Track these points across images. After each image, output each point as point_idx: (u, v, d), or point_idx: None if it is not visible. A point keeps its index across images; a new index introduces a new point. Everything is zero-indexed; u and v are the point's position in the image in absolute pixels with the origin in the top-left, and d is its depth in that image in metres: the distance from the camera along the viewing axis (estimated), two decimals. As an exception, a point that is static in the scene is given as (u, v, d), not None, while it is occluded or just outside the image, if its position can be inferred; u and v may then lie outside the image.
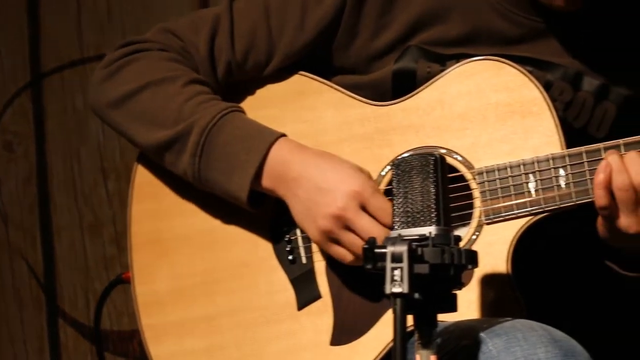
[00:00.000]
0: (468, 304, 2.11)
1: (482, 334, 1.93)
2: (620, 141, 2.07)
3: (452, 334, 1.99)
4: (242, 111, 2.24)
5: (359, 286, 2.19)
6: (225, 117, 2.20)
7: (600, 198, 2.01)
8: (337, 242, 2.12)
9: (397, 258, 1.73)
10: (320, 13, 2.25)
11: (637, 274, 2.12)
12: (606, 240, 2.10)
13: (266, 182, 2.18)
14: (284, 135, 2.20)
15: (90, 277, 3.65)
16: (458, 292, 2.06)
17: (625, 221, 2.01)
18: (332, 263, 2.21)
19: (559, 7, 2.14)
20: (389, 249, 1.74)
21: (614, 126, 2.21)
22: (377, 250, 1.76)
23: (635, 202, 1.99)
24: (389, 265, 1.73)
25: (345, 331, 2.19)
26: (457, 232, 2.16)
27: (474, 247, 2.13)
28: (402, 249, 1.73)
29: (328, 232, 2.11)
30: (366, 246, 1.78)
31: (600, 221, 2.07)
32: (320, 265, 2.24)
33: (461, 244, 2.13)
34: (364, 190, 2.10)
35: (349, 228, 2.10)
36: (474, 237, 2.14)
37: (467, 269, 1.84)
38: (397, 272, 1.73)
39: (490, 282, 2.12)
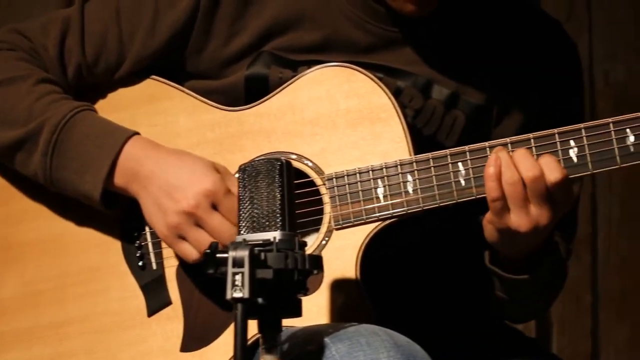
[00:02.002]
0: (317, 309, 2.12)
1: (326, 339, 1.94)
2: (508, 139, 2.10)
3: (299, 339, 1.99)
4: (95, 110, 2.22)
5: (209, 292, 2.18)
6: (77, 116, 2.17)
7: (491, 190, 2.04)
8: (185, 239, 2.11)
9: (238, 263, 1.73)
10: (173, 17, 2.23)
11: (522, 276, 2.15)
12: (495, 246, 2.13)
13: (119, 180, 2.16)
14: (137, 133, 2.18)
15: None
16: (307, 297, 2.07)
17: (515, 218, 2.03)
18: (183, 269, 2.20)
19: (410, 12, 2.16)
20: (230, 254, 1.73)
21: (463, 134, 2.24)
22: (218, 255, 1.76)
23: (523, 197, 2.02)
24: (230, 270, 1.73)
25: (196, 337, 2.17)
26: (308, 238, 2.19)
27: (324, 253, 2.14)
28: (244, 253, 1.73)
29: (176, 228, 2.10)
30: (208, 251, 1.77)
31: (489, 223, 2.09)
32: (170, 271, 2.22)
33: (311, 249, 2.16)
34: (217, 190, 2.10)
35: (199, 226, 2.10)
36: (324, 242, 2.15)
37: (313, 274, 1.85)
38: (238, 277, 1.72)
39: (339, 287, 2.13)
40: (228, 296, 1.71)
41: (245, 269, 1.72)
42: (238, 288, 1.72)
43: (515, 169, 2.01)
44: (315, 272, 1.84)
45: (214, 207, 2.10)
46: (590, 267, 3.86)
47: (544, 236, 2.08)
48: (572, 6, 3.77)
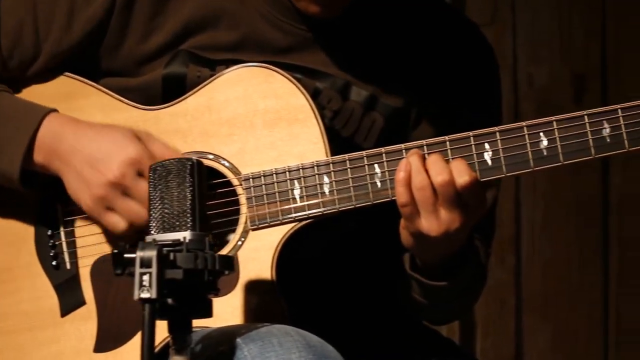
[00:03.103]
0: (232, 309, 2.11)
1: (238, 340, 1.94)
2: (424, 141, 2.10)
3: (212, 340, 1.98)
4: (11, 92, 2.19)
5: (123, 292, 2.16)
6: None
7: (400, 195, 2.04)
8: (113, 210, 2.09)
9: (146, 263, 1.72)
10: (88, 13, 2.21)
11: (441, 282, 2.15)
12: (412, 252, 2.13)
13: (39, 157, 2.14)
14: (55, 110, 2.15)
15: None
16: (223, 298, 2.07)
17: (426, 223, 2.03)
18: (97, 269, 2.17)
19: (315, 13, 2.17)
20: (138, 254, 1.72)
21: (382, 136, 2.24)
22: (126, 256, 1.74)
23: (433, 202, 2.02)
24: (137, 270, 1.71)
25: (110, 338, 2.15)
26: (225, 238, 2.18)
27: (240, 253, 2.13)
28: (151, 254, 1.72)
29: (103, 199, 2.08)
30: (116, 251, 1.76)
31: (403, 228, 2.09)
32: (85, 271, 2.20)
33: (226, 249, 2.15)
34: (141, 157, 2.09)
35: (127, 195, 2.08)
36: (240, 242, 2.14)
37: (224, 275, 1.84)
38: (145, 278, 1.71)
39: (255, 287, 2.12)
40: (135, 297, 1.70)
41: (153, 270, 1.71)
42: (145, 288, 1.71)
43: (426, 174, 2.02)
44: (226, 272, 1.84)
45: (140, 174, 2.08)
46: (514, 269, 3.89)
47: (459, 241, 2.08)
48: (496, 8, 3.80)
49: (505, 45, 3.82)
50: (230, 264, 1.84)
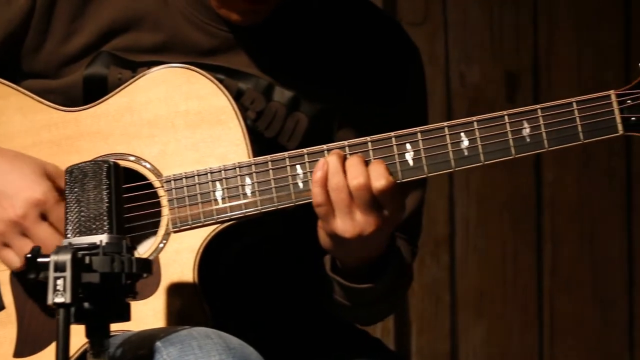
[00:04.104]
0: (154, 312, 2.09)
1: (158, 343, 1.92)
2: (345, 142, 2.10)
3: (132, 344, 1.97)
4: None
5: (42, 297, 2.13)
6: None
7: (315, 195, 2.04)
8: (9, 247, 2.07)
9: (60, 267, 1.70)
10: (8, 15, 2.19)
11: (363, 285, 2.14)
12: (330, 253, 2.13)
13: None
14: None
15: None
16: (144, 301, 2.06)
17: (341, 224, 2.03)
18: (17, 273, 2.15)
19: (238, 22, 2.17)
20: (52, 258, 1.70)
21: (306, 137, 2.24)
22: (40, 260, 1.72)
23: (348, 204, 2.02)
24: (51, 274, 1.70)
25: (29, 343, 2.13)
26: (146, 241, 2.17)
27: (161, 256, 2.12)
28: (66, 257, 1.70)
29: (2, 234, 2.06)
30: (29, 255, 1.74)
31: (320, 228, 2.09)
32: (4, 275, 2.17)
33: (148, 252, 2.13)
34: (47, 199, 2.06)
35: (25, 236, 2.05)
36: (161, 245, 2.13)
37: (142, 278, 1.83)
38: (60, 282, 1.69)
39: (177, 290, 2.11)
40: (49, 301, 1.69)
41: (67, 274, 1.69)
42: (60, 293, 1.69)
43: (343, 175, 2.02)
44: (144, 275, 1.83)
45: (44, 216, 2.06)
46: (449, 267, 3.92)
47: (377, 244, 2.07)
48: (428, 8, 3.82)
49: (438, 45, 3.84)
50: (148, 266, 1.82)
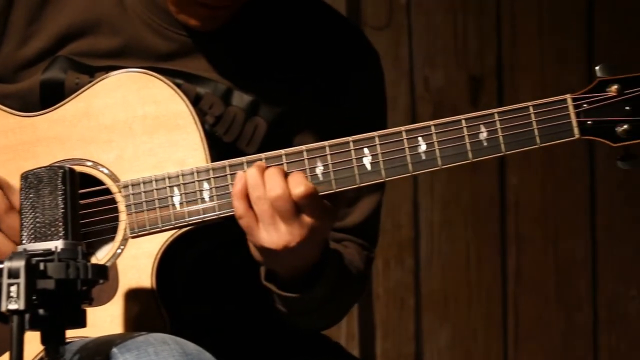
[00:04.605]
0: (112, 319, 2.08)
1: (114, 350, 1.92)
2: (262, 155, 2.09)
3: (89, 350, 1.96)
4: None
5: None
6: None
7: (236, 208, 2.03)
8: None
9: (14, 274, 1.69)
10: (-36, 20, 2.18)
11: (293, 294, 2.12)
12: (262, 264, 2.11)
13: None
14: None
15: None
16: (102, 307, 2.05)
17: (266, 235, 2.02)
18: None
19: (196, 27, 2.17)
20: (6, 265, 1.69)
21: (265, 142, 2.23)
22: (-8, 266, 1.71)
23: (271, 215, 2.01)
24: (5, 281, 1.69)
25: (-13, 350, 2.12)
26: (105, 247, 2.16)
27: (119, 261, 2.11)
28: (19, 264, 1.69)
29: None
30: (-20, 262, 1.73)
31: (248, 240, 2.07)
32: (-39, 281, 2.16)
33: (106, 258, 2.12)
34: None
35: None
36: (119, 250, 2.12)
37: (98, 284, 1.82)
38: (13, 289, 1.68)
39: (134, 296, 2.10)
40: (2, 308, 1.68)
41: (21, 280, 1.69)
42: (13, 300, 1.68)
43: (263, 187, 2.00)
44: (100, 281, 1.82)
45: None
46: (413, 271, 3.92)
47: (307, 254, 2.05)
48: (392, 12, 3.83)
49: (402, 49, 3.85)
50: (104, 273, 1.82)
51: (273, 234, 2.01)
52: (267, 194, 2.00)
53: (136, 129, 2.15)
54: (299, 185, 1.99)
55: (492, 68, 3.92)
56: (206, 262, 2.21)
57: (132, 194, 2.13)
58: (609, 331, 4.06)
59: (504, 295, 3.98)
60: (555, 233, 4.01)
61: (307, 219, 2.00)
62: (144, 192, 2.13)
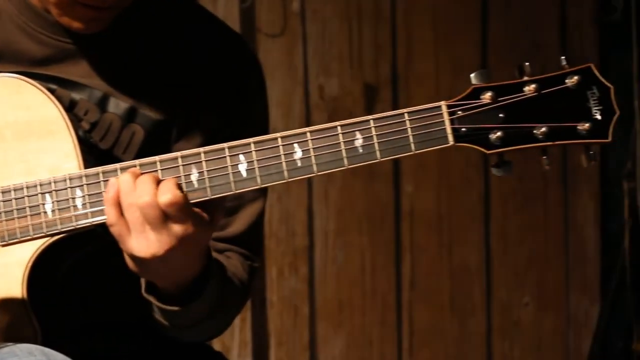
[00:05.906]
0: (-27, 329, 2.04)
1: (-22, 361, 1.87)
2: (137, 162, 2.06)
3: (-47, 361, 1.91)
4: None
5: None
6: None
7: (107, 215, 2.00)
8: None
9: None
10: None
11: (172, 307, 2.09)
12: (138, 275, 2.07)
13: None
14: None
15: None
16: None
17: (136, 243, 1.98)
18: None
19: (79, 29, 2.13)
20: None
21: (142, 149, 2.20)
22: None
23: (141, 223, 1.97)
24: None
25: None
26: (-26, 255, 2.11)
27: (-12, 270, 2.07)
28: None
29: None
30: None
31: (120, 246, 2.04)
32: None
33: (-26, 265, 2.08)
34: None
35: None
36: (-11, 259, 2.08)
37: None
38: None
39: (4, 306, 2.06)
40: None
41: None
42: None
43: (134, 194, 1.97)
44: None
45: None
46: (307, 279, 3.92)
47: (181, 263, 2.01)
48: (286, 20, 3.82)
49: (296, 57, 3.84)
50: (-35, 282, 1.77)
51: (142, 242, 1.97)
52: (137, 201, 1.97)
53: (7, 135, 2.11)
54: (166, 193, 1.97)
55: (387, 77, 3.94)
56: (81, 269, 2.17)
57: (3, 202, 2.08)
58: (502, 338, 4.10)
59: (399, 303, 4.00)
60: (449, 241, 4.05)
61: (175, 227, 1.97)
62: (15, 199, 2.08)
